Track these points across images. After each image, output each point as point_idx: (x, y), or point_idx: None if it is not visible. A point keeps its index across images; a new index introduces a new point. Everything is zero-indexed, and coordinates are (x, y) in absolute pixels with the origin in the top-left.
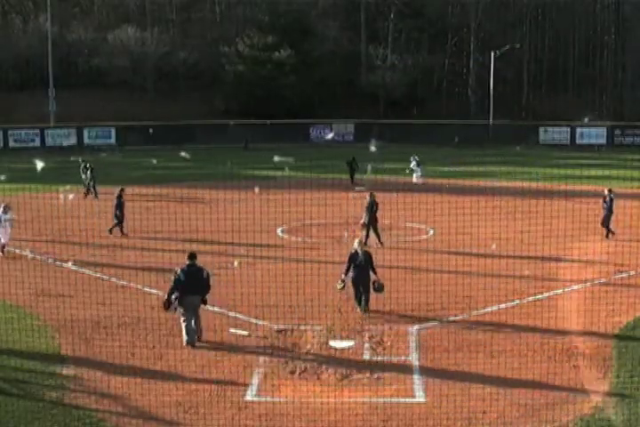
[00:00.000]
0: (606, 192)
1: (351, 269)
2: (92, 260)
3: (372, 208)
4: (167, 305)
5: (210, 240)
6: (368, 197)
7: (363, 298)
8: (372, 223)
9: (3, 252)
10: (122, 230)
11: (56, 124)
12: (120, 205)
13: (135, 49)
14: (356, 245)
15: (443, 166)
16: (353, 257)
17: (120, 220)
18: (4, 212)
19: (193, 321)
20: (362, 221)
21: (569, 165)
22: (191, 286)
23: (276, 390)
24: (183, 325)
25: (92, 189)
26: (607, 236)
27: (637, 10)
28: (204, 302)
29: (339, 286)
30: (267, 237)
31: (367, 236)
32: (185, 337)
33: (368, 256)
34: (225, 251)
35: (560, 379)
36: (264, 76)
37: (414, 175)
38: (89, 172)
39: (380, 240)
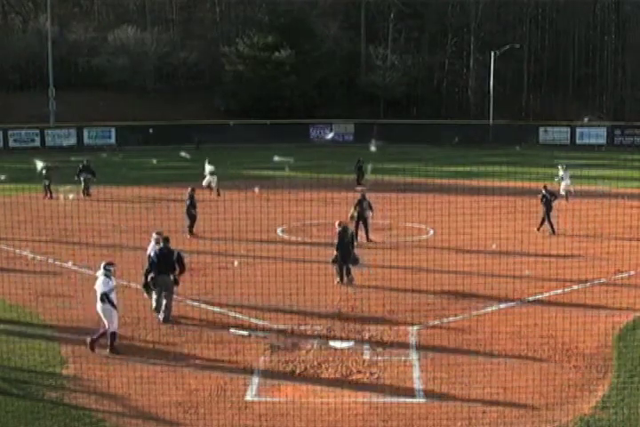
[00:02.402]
0: (543, 190)
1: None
2: (91, 260)
3: (362, 205)
4: (147, 287)
5: (210, 240)
6: (359, 195)
7: (347, 272)
8: (362, 220)
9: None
10: (191, 231)
11: (56, 125)
12: (193, 206)
13: (135, 49)
14: (337, 225)
15: (442, 166)
16: (342, 236)
17: (192, 220)
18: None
19: (163, 299)
20: (349, 214)
21: (569, 165)
22: (163, 267)
23: (276, 390)
24: (153, 299)
25: (48, 190)
26: (553, 231)
27: (637, 10)
28: (176, 282)
29: (331, 259)
30: (267, 237)
31: (367, 231)
32: (154, 308)
33: (352, 234)
34: (225, 251)
35: (560, 379)
36: (264, 76)
37: (211, 183)
38: (44, 172)
39: (368, 238)
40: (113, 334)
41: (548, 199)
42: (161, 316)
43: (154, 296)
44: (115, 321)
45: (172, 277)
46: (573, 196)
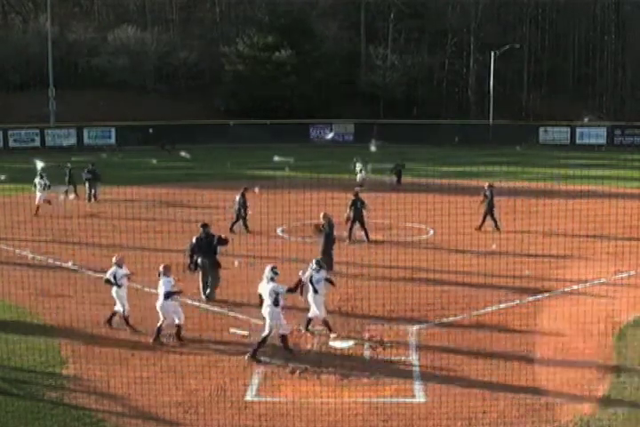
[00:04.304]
0: (486, 187)
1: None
2: (91, 260)
3: (357, 205)
4: (190, 268)
5: None
6: (353, 195)
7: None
8: (358, 220)
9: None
10: (246, 227)
11: (56, 124)
12: (244, 204)
13: (135, 49)
14: (322, 217)
15: (442, 166)
16: (331, 226)
17: (243, 218)
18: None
19: (208, 279)
20: (346, 215)
21: (569, 165)
22: (203, 251)
23: (276, 390)
24: (200, 283)
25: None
26: (497, 228)
27: (637, 10)
28: (218, 264)
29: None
30: (267, 237)
31: (350, 231)
32: (201, 292)
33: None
34: (225, 251)
35: (560, 379)
36: (264, 76)
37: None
38: (69, 172)
39: (367, 238)
40: (284, 337)
41: (492, 197)
42: (203, 295)
43: (200, 283)
44: (283, 323)
45: (210, 260)
46: (366, 186)
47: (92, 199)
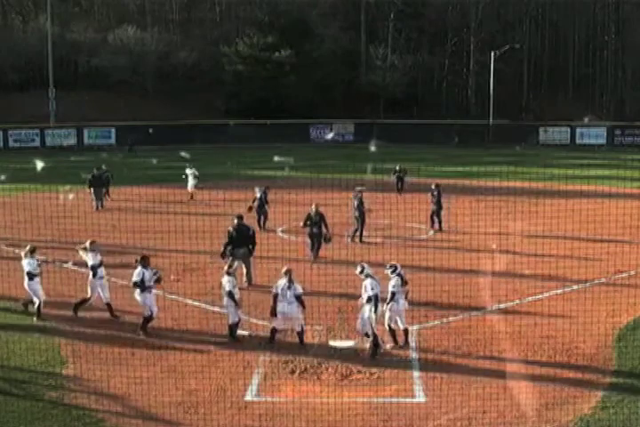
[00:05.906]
0: (433, 187)
1: (307, 227)
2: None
3: (364, 205)
4: (223, 256)
5: (210, 240)
6: (357, 194)
7: (316, 248)
8: (362, 219)
9: None
10: (265, 225)
11: (56, 124)
12: (266, 202)
13: (135, 49)
14: (313, 208)
15: (442, 166)
16: (309, 217)
17: (265, 216)
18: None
19: (243, 267)
20: (364, 210)
21: (569, 164)
22: (239, 241)
23: (276, 390)
24: (244, 270)
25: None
26: (440, 228)
27: (637, 10)
28: (251, 253)
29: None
30: (267, 237)
31: (362, 231)
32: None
33: (321, 216)
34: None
35: (560, 379)
36: (264, 76)
37: None
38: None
39: (357, 236)
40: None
41: (439, 197)
42: (245, 283)
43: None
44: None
45: (246, 249)
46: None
47: (98, 207)
